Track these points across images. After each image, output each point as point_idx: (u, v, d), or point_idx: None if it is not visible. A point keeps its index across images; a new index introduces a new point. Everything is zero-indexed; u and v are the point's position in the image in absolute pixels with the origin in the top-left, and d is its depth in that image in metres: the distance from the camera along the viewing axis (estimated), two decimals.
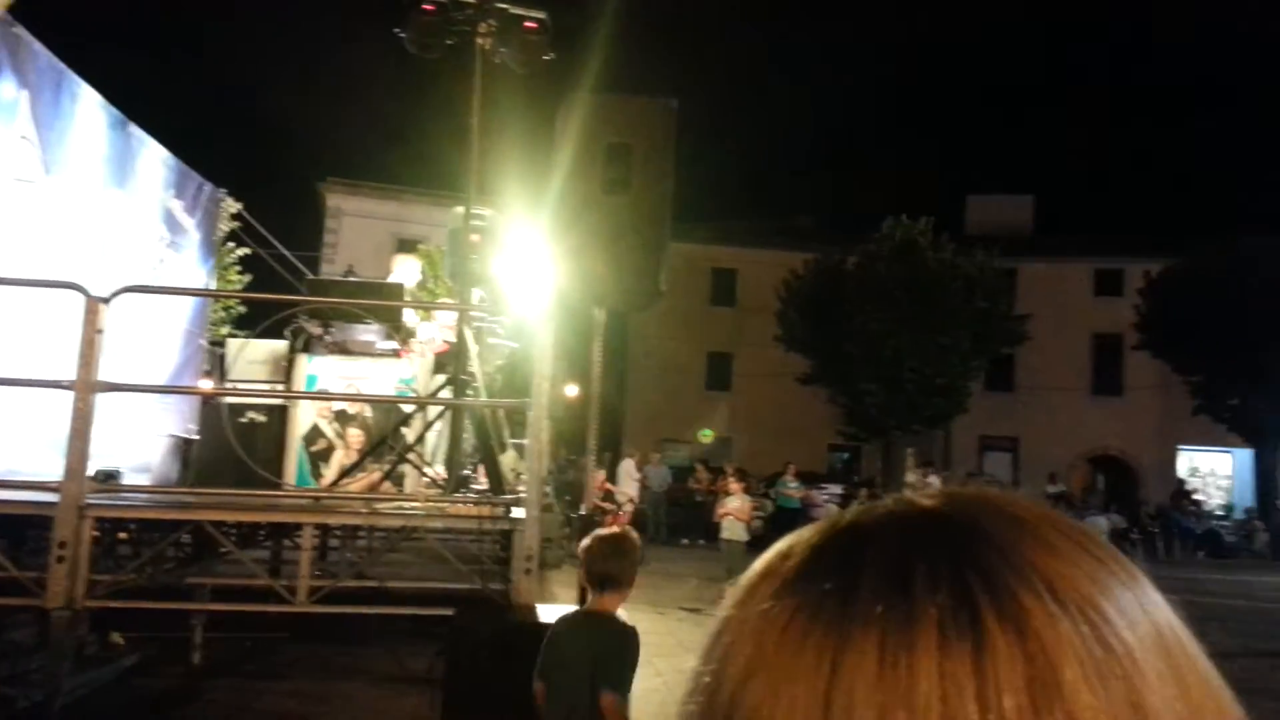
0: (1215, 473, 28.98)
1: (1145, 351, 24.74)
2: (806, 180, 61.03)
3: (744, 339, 29.26)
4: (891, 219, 24.08)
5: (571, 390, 20.56)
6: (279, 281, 15.76)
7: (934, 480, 15.09)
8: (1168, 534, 21.92)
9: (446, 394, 6.38)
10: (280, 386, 7.74)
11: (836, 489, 21.94)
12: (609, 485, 14.82)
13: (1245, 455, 25.39)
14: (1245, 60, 64.67)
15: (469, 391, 6.13)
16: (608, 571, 2.97)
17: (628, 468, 17.53)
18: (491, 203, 7.61)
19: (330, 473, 7.11)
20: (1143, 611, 0.34)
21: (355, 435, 7.28)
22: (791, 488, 17.75)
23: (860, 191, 52.34)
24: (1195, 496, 25.41)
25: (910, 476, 15.29)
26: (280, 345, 7.88)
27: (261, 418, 7.48)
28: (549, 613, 4.12)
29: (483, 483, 6.90)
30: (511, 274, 7.43)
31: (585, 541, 3.11)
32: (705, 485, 19.52)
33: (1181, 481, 26.37)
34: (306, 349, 7.51)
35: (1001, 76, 69.54)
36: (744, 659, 0.36)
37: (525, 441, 5.89)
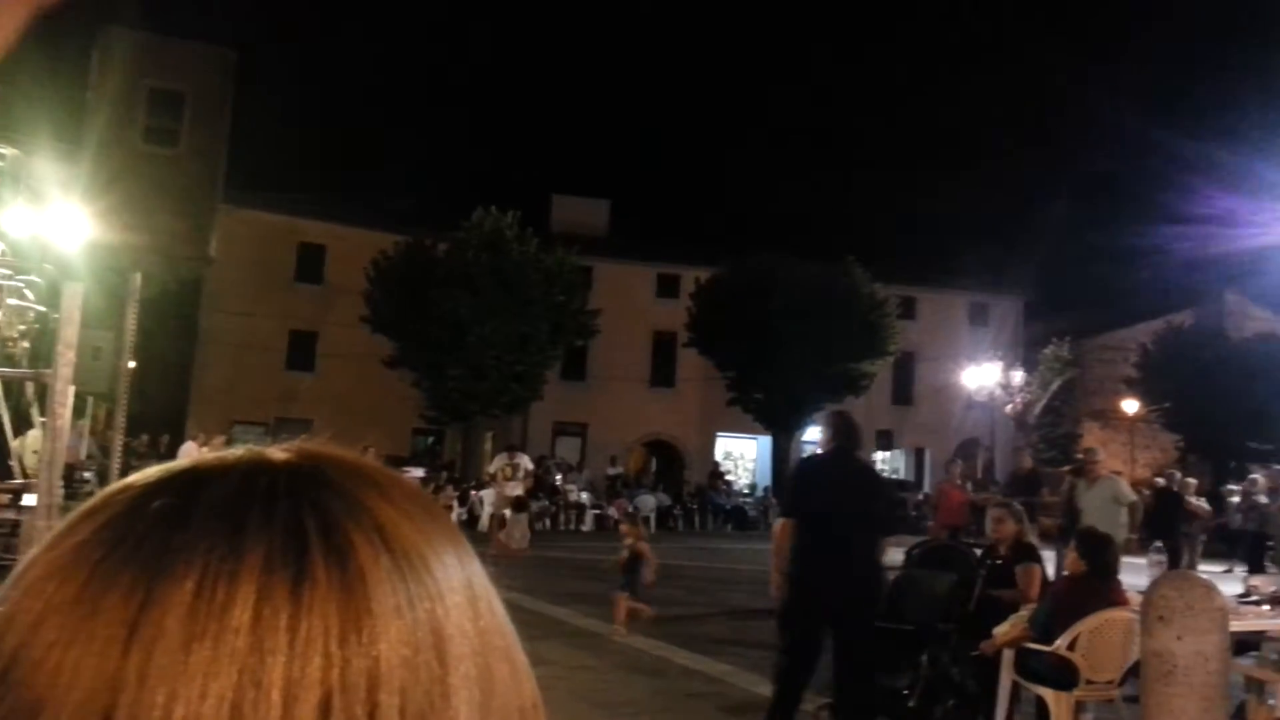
0: (744, 456, 33.74)
1: (693, 349, 28.10)
2: (405, 164, 60.52)
3: (330, 318, 28.45)
4: (482, 209, 24.88)
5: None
6: None
7: (521, 460, 16.05)
8: (704, 509, 25.18)
9: None
10: None
11: (419, 472, 22.33)
12: None
13: (766, 441, 29.89)
14: (761, 85, 75.15)
15: None
16: None
17: (188, 450, 16.43)
18: (12, 140, 6.92)
19: None
20: (459, 565, 0.40)
21: None
22: None
23: (456, 180, 53.04)
24: (728, 477, 29.43)
25: (498, 461, 16.16)
26: None
27: None
28: None
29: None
30: (43, 225, 6.79)
31: None
32: None
33: (717, 464, 30.34)
34: None
35: (593, 85, 74.16)
36: (44, 598, 0.34)
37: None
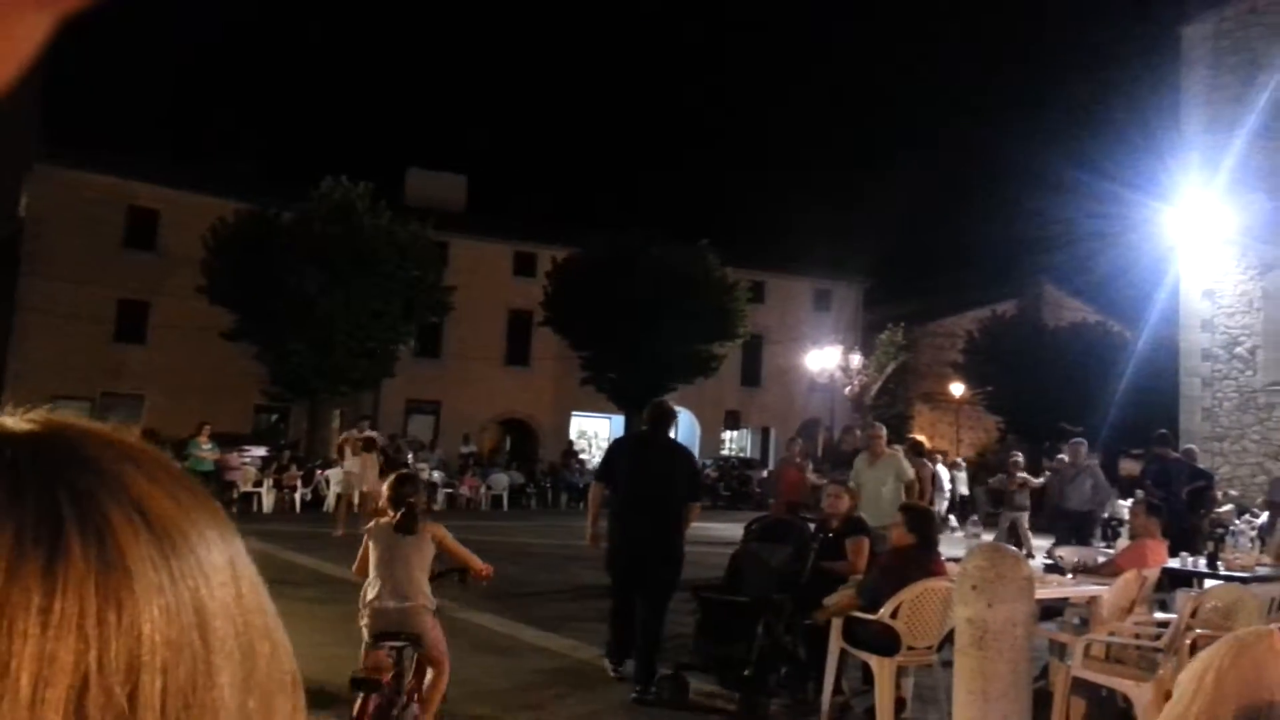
0: (598, 435, 34.02)
1: (549, 328, 28.07)
2: (249, 128, 57.61)
3: (164, 288, 26.89)
4: (332, 179, 24.03)
5: None
6: None
7: (371, 432, 15.53)
8: (557, 488, 25.27)
9: None
10: None
11: (260, 451, 21.48)
12: None
13: (620, 420, 30.22)
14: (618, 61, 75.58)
15: None
16: None
17: None
18: None
19: None
20: (222, 543, 0.39)
21: None
22: (205, 450, 16.84)
23: (304, 148, 50.97)
24: (581, 456, 29.58)
25: (348, 433, 15.56)
26: None
27: None
28: None
29: None
30: None
31: None
32: None
33: (571, 443, 30.48)
34: None
35: (453, 59, 72.55)
36: None
37: None
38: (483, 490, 22.51)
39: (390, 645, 4.28)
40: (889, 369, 32.04)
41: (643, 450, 6.55)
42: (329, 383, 23.73)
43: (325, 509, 17.79)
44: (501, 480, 23.04)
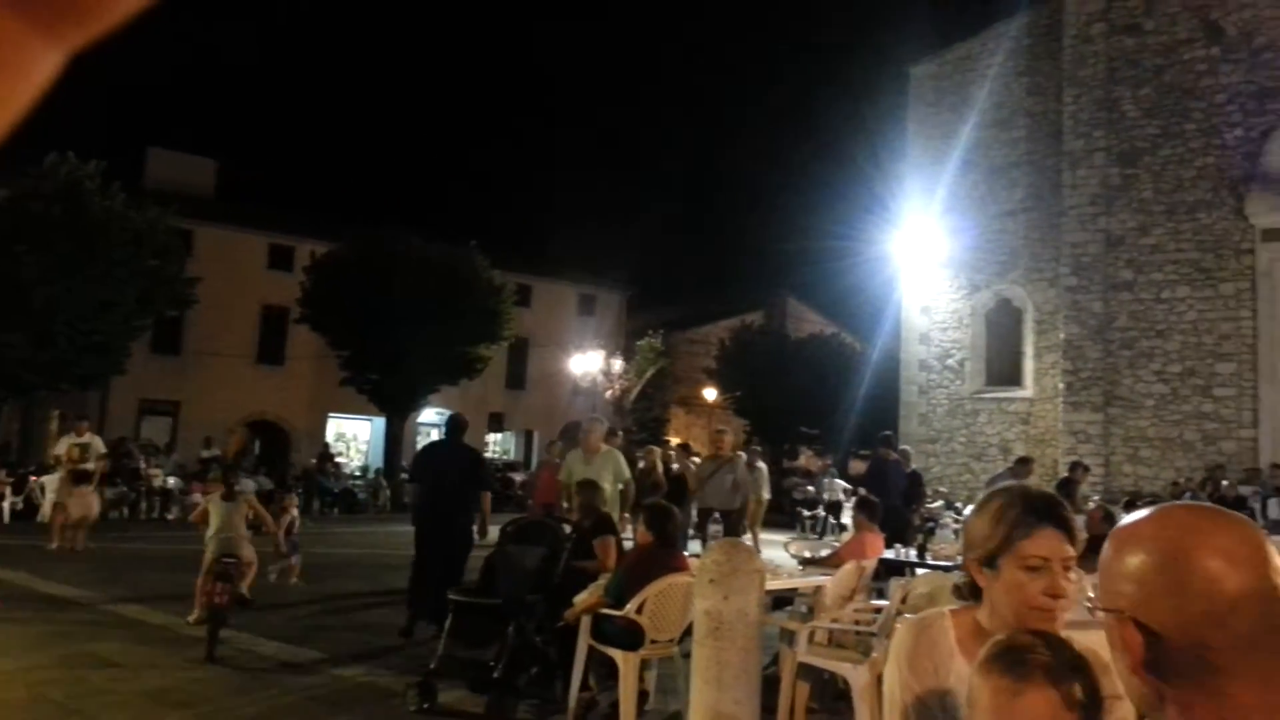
0: (357, 438, 32.88)
1: (305, 325, 26.78)
2: None
3: None
4: (57, 155, 21.82)
5: None
6: None
7: (93, 440, 14.16)
8: (310, 493, 24.18)
9: None
10: None
11: None
12: None
13: (380, 423, 29.37)
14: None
15: None
16: None
17: None
18: None
19: None
20: None
21: None
22: None
23: (26, 118, 45.53)
24: (338, 460, 28.47)
25: (63, 442, 14.11)
26: None
27: None
28: None
29: None
30: None
31: None
32: None
33: (326, 446, 29.26)
34: None
35: (204, 35, 67.62)
36: None
37: None
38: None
39: (225, 559, 7.63)
40: (648, 374, 33.12)
41: (442, 453, 8.55)
42: (47, 379, 21.48)
43: (40, 518, 16.12)
44: (248, 485, 21.62)
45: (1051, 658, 1.43)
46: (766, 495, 15.26)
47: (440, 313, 24.96)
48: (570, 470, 8.72)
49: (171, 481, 20.66)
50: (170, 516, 19.54)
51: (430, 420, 31.26)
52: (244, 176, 47.79)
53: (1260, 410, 15.68)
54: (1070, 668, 1.43)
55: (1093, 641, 1.60)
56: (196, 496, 20.21)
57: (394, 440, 27.58)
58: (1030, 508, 1.86)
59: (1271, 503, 13.95)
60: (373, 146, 67.29)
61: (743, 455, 12.37)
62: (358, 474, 28.63)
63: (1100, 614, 1.07)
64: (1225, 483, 14.40)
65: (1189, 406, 16.18)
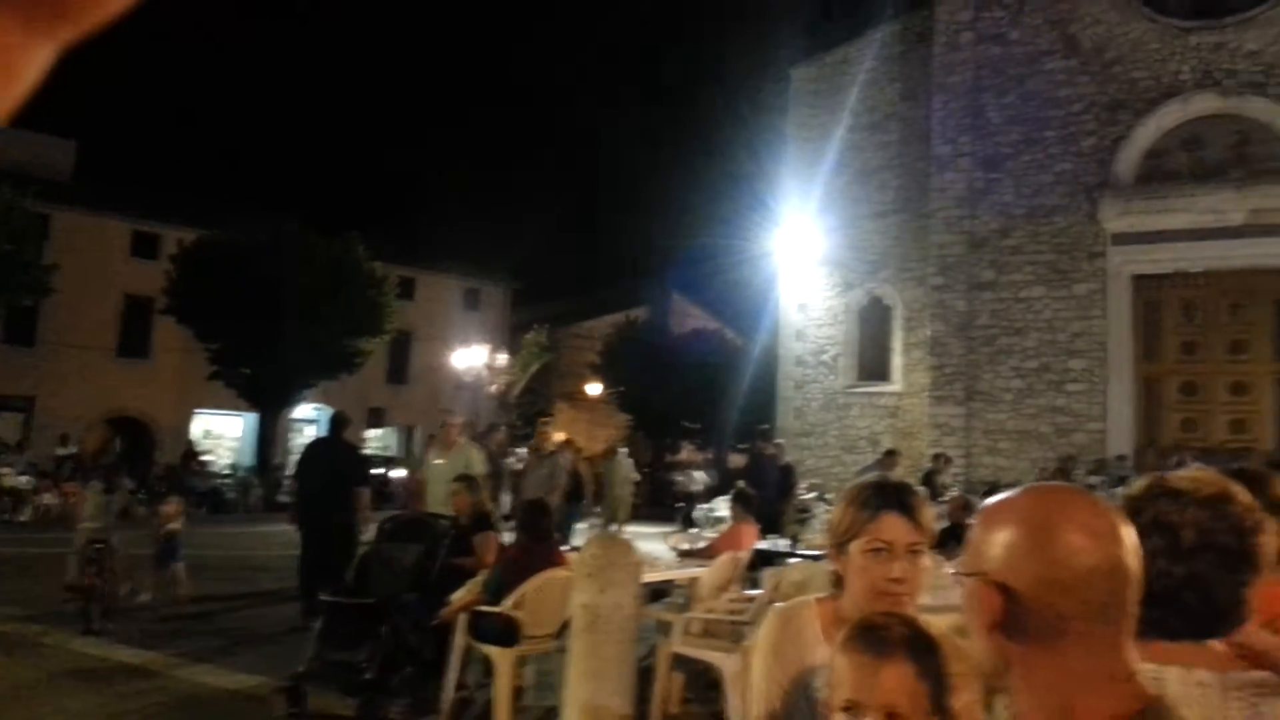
0: (226, 435, 31.59)
1: (171, 316, 25.55)
2: None
3: None
4: None
5: None
6: None
7: None
8: (175, 492, 23.09)
9: None
10: None
11: None
12: None
13: (252, 419, 28.30)
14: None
15: None
16: None
17: None
18: None
19: None
20: None
21: None
22: None
23: None
24: (205, 457, 27.29)
25: None
26: None
27: None
28: None
29: None
30: None
31: None
32: None
33: (192, 443, 28.04)
34: None
35: None
36: None
37: None
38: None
39: (95, 544, 8.20)
40: (533, 368, 32.94)
41: (324, 450, 9.09)
42: None
43: None
44: (96, 486, 20.51)
45: (908, 633, 1.52)
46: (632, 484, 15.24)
47: (318, 304, 24.22)
48: (426, 465, 8.74)
49: (23, 480, 19.45)
50: (22, 518, 18.41)
51: (306, 416, 30.31)
52: (107, 159, 45.32)
53: (1108, 404, 16.69)
54: (924, 644, 1.51)
55: (944, 625, 1.71)
56: (48, 497, 19.16)
57: (267, 437, 26.65)
58: (878, 495, 1.96)
59: (1117, 491, 14.89)
60: (250, 131, 64.76)
61: (565, 452, 12.23)
62: (226, 472, 27.52)
63: (965, 579, 1.15)
64: (1076, 472, 15.30)
65: (1044, 400, 17.08)
